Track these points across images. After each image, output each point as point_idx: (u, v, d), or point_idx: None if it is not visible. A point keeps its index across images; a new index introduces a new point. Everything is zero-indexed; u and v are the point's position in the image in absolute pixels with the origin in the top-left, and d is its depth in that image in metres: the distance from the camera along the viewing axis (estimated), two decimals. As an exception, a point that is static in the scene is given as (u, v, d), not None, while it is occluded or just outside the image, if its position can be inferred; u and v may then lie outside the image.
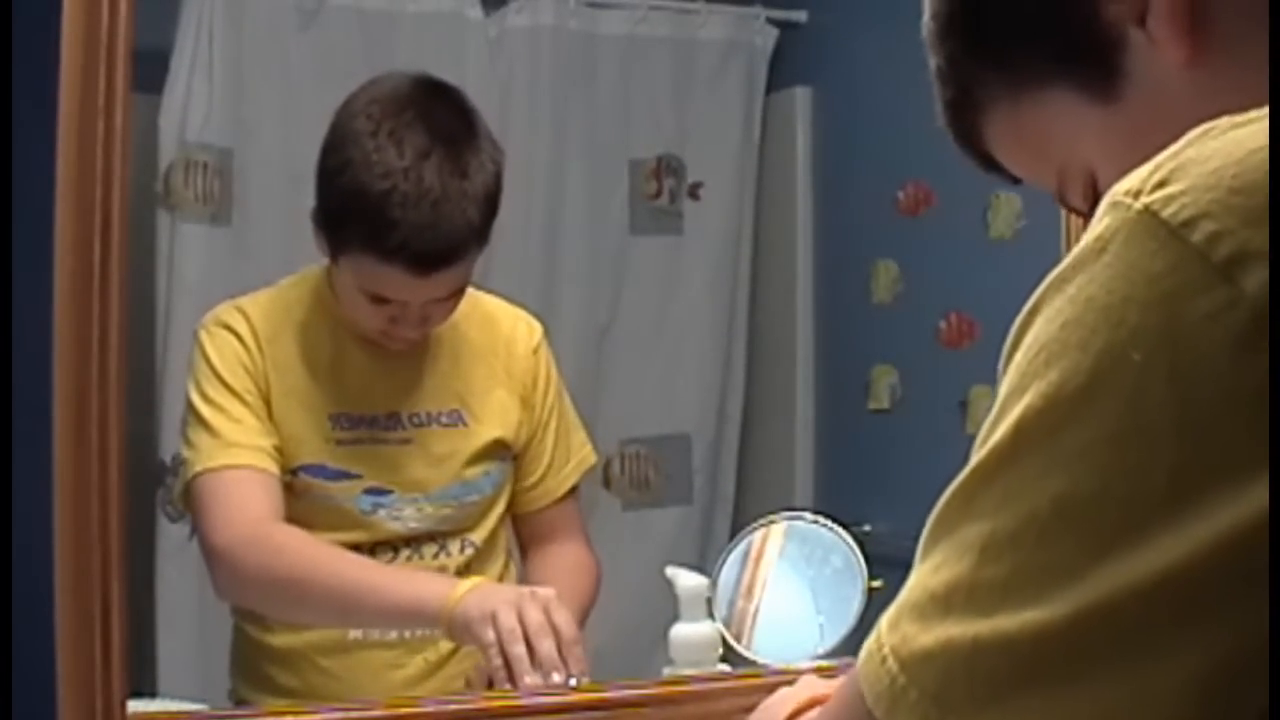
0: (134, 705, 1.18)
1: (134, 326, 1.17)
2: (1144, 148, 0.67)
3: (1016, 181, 0.78)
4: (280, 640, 1.46)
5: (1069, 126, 0.71)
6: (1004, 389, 0.58)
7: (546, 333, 1.58)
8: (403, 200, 1.33)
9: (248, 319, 1.44)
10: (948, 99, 0.77)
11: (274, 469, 1.40)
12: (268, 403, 1.42)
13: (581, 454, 1.59)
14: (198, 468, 1.38)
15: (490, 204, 1.39)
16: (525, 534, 1.58)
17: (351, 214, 1.36)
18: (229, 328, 1.43)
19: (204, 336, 1.44)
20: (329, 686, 1.44)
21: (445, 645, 1.46)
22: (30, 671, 1.11)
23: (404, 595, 1.34)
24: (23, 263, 1.13)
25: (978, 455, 0.57)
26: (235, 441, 1.39)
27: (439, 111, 1.39)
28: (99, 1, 1.12)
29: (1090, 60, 0.68)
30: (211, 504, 1.37)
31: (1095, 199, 0.71)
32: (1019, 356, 0.57)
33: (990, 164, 0.78)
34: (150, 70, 1.92)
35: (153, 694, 1.47)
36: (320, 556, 1.37)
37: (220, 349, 1.42)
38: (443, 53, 2.20)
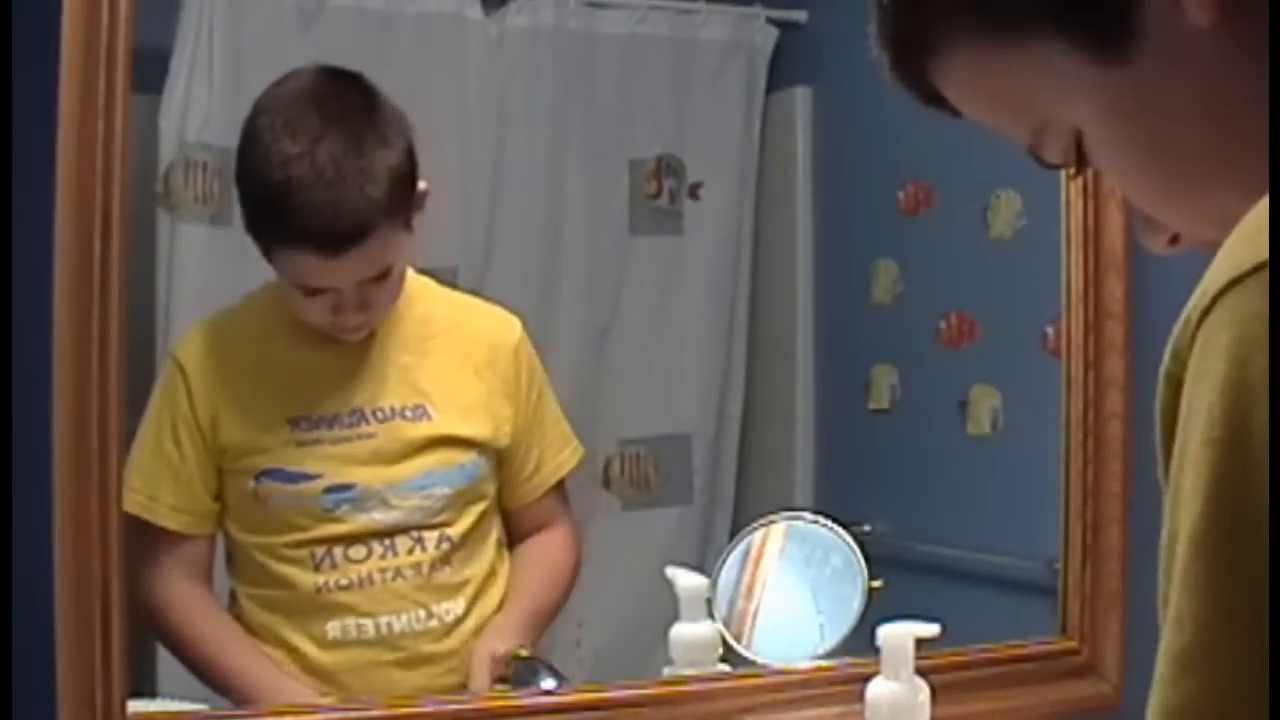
0: (134, 705, 1.18)
1: (134, 326, 1.17)
2: (1153, 116, 0.62)
3: (958, 115, 0.71)
4: (269, 648, 1.48)
5: (1057, 84, 0.64)
6: None
7: (525, 328, 1.59)
8: (299, 185, 1.36)
9: (201, 349, 1.49)
10: (896, 34, 0.70)
11: (191, 530, 1.46)
12: (215, 430, 1.45)
13: (571, 445, 1.61)
14: (130, 505, 1.41)
15: (397, 179, 1.41)
16: (517, 528, 1.60)
17: (259, 209, 1.41)
18: (180, 366, 1.48)
19: (164, 369, 1.51)
20: (320, 687, 1.45)
21: (426, 645, 1.48)
22: (30, 671, 1.11)
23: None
24: (23, 263, 1.13)
25: None
26: (164, 499, 1.45)
27: (334, 97, 1.43)
28: (99, 1, 1.12)
29: (1099, 16, 0.62)
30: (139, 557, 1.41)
31: (1080, 157, 0.66)
32: None
33: (931, 100, 0.71)
34: (150, 70, 1.92)
35: (153, 694, 1.46)
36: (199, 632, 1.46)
37: (166, 393, 1.48)
38: (443, 53, 2.19)
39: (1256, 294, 0.49)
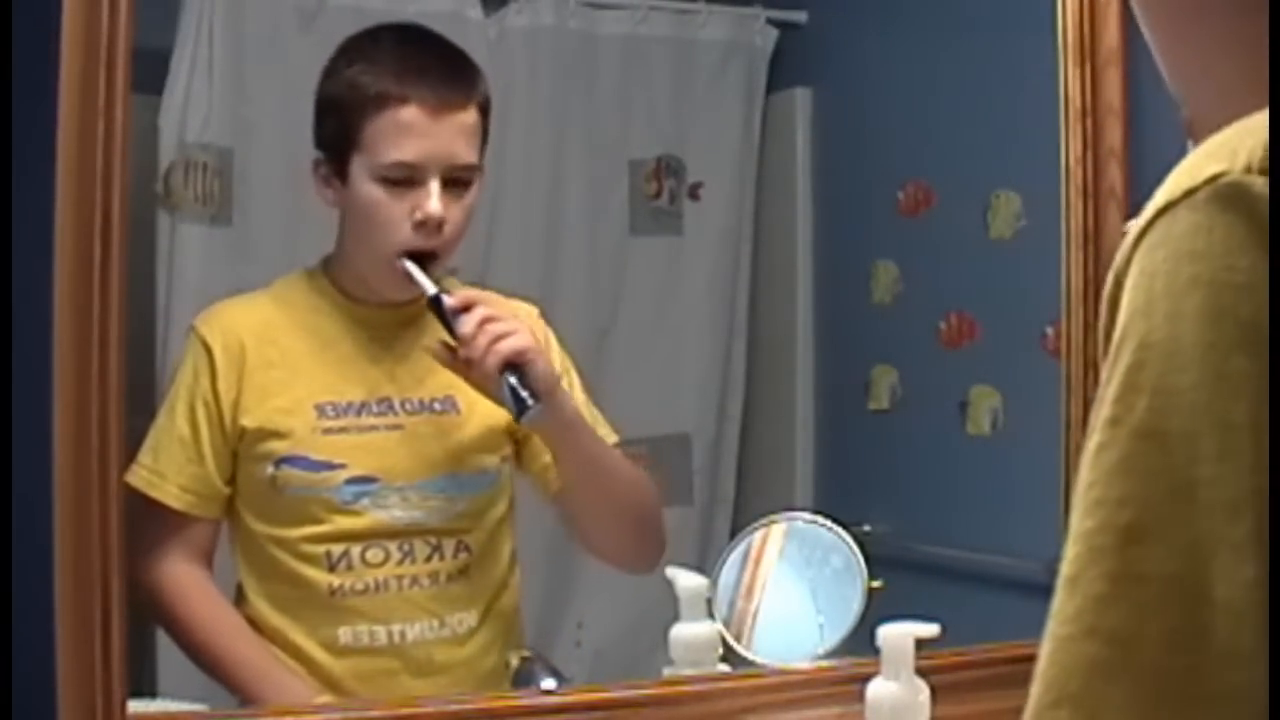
0: (134, 705, 1.18)
1: (134, 326, 1.17)
2: None
3: None
4: (276, 652, 1.46)
5: None
6: None
7: (543, 314, 1.59)
8: (399, 40, 1.48)
9: (228, 329, 1.46)
10: None
11: (196, 511, 1.44)
12: (236, 412, 1.44)
13: (605, 430, 1.59)
14: (136, 480, 1.40)
15: (485, 95, 1.49)
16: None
17: (357, 87, 1.44)
18: (205, 344, 1.45)
19: (187, 344, 1.47)
20: (323, 691, 1.45)
21: (438, 655, 1.47)
22: (30, 671, 1.11)
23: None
24: (23, 263, 1.13)
25: None
26: (171, 477, 1.43)
27: (413, 27, 1.55)
28: (99, 1, 1.12)
29: None
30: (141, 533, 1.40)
31: None
32: None
33: None
34: (150, 70, 1.92)
35: (153, 694, 1.46)
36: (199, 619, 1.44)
37: (188, 370, 1.46)
38: (443, 53, 2.20)
39: (1186, 213, 0.55)
